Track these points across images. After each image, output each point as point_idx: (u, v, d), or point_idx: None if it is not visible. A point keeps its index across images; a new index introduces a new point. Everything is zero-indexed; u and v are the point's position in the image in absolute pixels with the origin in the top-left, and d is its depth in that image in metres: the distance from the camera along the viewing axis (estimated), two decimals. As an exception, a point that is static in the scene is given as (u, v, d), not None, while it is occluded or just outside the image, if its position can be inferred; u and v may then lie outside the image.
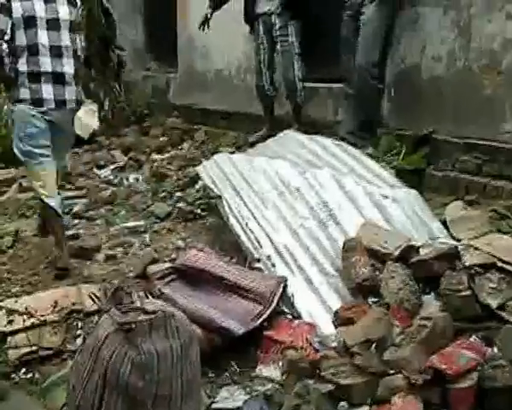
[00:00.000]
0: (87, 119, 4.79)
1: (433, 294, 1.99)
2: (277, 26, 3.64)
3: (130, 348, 1.46)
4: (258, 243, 2.47)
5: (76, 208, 3.75)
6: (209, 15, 3.87)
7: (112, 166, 4.39)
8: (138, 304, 1.59)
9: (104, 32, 3.42)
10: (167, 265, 2.53)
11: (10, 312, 2.38)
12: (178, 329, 1.50)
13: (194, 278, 2.12)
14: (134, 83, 5.12)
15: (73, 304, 2.48)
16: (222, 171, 3.06)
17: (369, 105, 3.32)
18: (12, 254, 3.21)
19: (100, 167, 4.43)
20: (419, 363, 1.60)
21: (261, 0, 3.66)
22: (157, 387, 1.47)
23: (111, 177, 4.28)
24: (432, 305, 1.90)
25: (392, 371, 1.62)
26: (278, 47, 3.66)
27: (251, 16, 3.75)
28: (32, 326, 2.33)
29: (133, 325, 1.44)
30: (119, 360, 1.47)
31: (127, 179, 4.18)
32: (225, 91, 4.24)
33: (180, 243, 3.14)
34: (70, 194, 4.08)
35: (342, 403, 1.65)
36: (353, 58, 3.31)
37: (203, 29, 3.91)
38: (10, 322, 2.28)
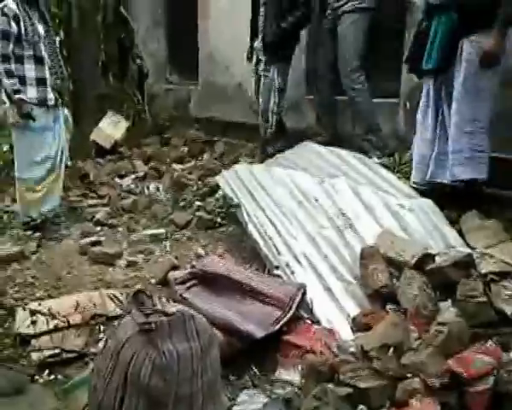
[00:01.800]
0: (109, 129, 4.94)
1: (449, 301, 2.02)
2: (262, 63, 3.88)
3: (150, 349, 1.52)
4: (277, 250, 2.54)
5: (98, 216, 3.87)
6: (250, 49, 4.06)
7: (133, 176, 4.52)
8: (159, 307, 1.66)
9: (122, 41, 3.53)
10: (186, 271, 2.62)
11: (34, 314, 2.47)
12: (198, 330, 1.57)
13: (214, 283, 2.19)
14: (156, 95, 5.27)
15: (95, 306, 2.56)
16: (241, 180, 3.15)
17: (364, 110, 3.51)
18: (35, 259, 3.33)
19: (121, 177, 4.57)
20: (436, 367, 1.64)
21: (257, 38, 3.91)
22: (177, 387, 1.52)
23: (132, 186, 4.40)
24: (448, 311, 1.94)
25: (409, 375, 1.66)
26: (261, 80, 3.91)
27: (251, 50, 4.03)
28: (56, 329, 2.40)
29: (153, 326, 1.50)
30: (140, 361, 1.53)
31: (148, 189, 4.29)
32: (245, 104, 4.35)
33: (200, 250, 3.22)
34: (92, 202, 4.24)
35: (361, 407, 1.69)
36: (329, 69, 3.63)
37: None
38: (34, 323, 2.35)
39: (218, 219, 3.56)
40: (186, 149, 4.80)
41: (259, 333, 1.94)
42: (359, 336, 1.92)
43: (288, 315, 2.03)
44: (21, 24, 3.13)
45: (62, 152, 3.50)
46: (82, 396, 1.89)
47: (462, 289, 1.95)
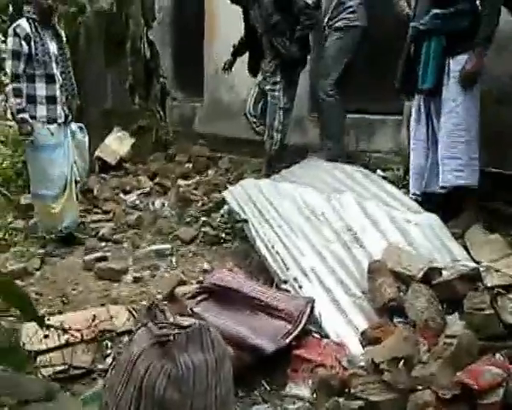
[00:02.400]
0: (115, 145, 5.01)
1: (456, 314, 2.07)
2: (270, 82, 3.99)
3: (166, 361, 1.55)
4: (285, 265, 2.59)
5: (102, 231, 3.92)
6: (229, 63, 4.26)
7: (138, 192, 4.57)
8: (172, 320, 1.70)
9: (148, 63, 3.67)
10: (195, 286, 2.66)
11: (47, 328, 2.50)
12: (213, 343, 1.60)
13: (223, 297, 2.23)
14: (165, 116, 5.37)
15: (102, 321, 2.59)
16: (248, 195, 3.21)
17: (332, 121, 3.77)
18: (39, 276, 3.36)
19: (126, 193, 4.62)
20: (446, 379, 1.67)
21: (263, 60, 4.04)
22: (192, 400, 1.55)
23: (137, 202, 4.45)
24: (456, 324, 1.98)
25: (420, 387, 1.70)
26: (268, 97, 4.02)
27: (253, 68, 4.15)
28: (66, 345, 2.43)
29: (170, 337, 1.54)
30: (156, 373, 1.56)
31: (153, 204, 4.34)
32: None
33: (206, 266, 3.26)
34: (96, 217, 4.29)
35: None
36: None
37: (227, 73, 4.28)
38: (46, 337, 2.37)
39: (224, 235, 3.61)
40: (191, 165, 4.86)
41: (270, 347, 1.98)
42: (369, 350, 1.96)
43: (298, 329, 2.07)
44: (32, 44, 3.25)
45: (72, 168, 3.57)
46: (93, 412, 1.92)
47: (469, 302, 1.99)
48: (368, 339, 2.06)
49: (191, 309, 2.21)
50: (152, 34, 5.09)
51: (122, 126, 5.24)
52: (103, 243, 3.79)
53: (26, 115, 3.28)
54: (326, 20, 3.82)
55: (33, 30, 3.26)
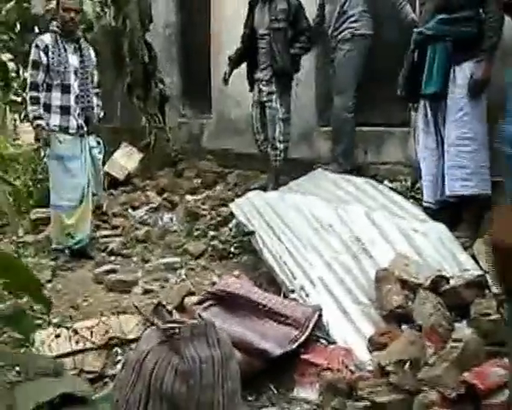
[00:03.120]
0: (123, 160, 5.16)
1: (464, 321, 2.13)
2: (264, 93, 4.14)
3: (173, 355, 1.64)
4: (293, 275, 2.67)
5: (112, 246, 4.03)
6: (228, 74, 4.40)
7: (146, 207, 4.69)
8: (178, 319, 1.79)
9: (146, 65, 3.85)
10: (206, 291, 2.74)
11: (58, 336, 2.60)
12: (219, 339, 1.69)
13: (231, 303, 2.31)
14: (170, 128, 5.53)
15: (112, 329, 2.69)
16: (255, 207, 3.31)
17: (346, 136, 3.85)
18: (51, 288, 3.47)
19: (135, 208, 4.74)
20: (452, 380, 1.73)
21: (258, 68, 4.20)
22: (200, 393, 1.63)
23: (145, 217, 4.56)
24: (463, 330, 2.04)
25: (426, 388, 1.75)
26: (266, 110, 4.17)
27: (250, 80, 4.31)
28: (77, 351, 2.53)
29: (176, 331, 1.63)
30: (163, 368, 1.65)
31: (161, 219, 4.45)
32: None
33: (215, 279, 3.34)
34: (106, 233, 4.41)
35: (378, 421, 1.78)
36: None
37: (225, 84, 4.43)
38: (57, 336, 2.47)
39: (232, 249, 3.70)
40: (199, 180, 4.98)
41: (277, 351, 2.05)
42: (376, 355, 2.02)
43: (305, 335, 2.14)
44: (50, 54, 3.49)
45: (89, 182, 3.70)
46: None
47: (476, 308, 2.06)
48: (375, 345, 2.13)
49: (199, 315, 2.28)
50: (158, 48, 5.28)
51: (130, 142, 5.41)
52: (113, 258, 3.91)
53: (42, 122, 3.51)
54: (330, 31, 3.94)
55: (54, 42, 3.52)
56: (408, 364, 1.85)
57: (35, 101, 3.49)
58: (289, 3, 3.95)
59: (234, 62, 4.35)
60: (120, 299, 3.24)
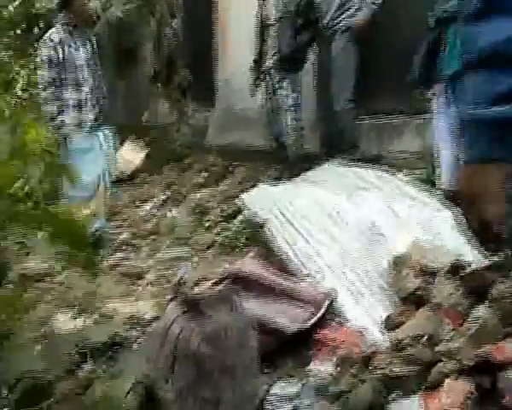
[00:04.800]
0: (129, 156, 5.31)
1: (483, 303, 2.23)
2: (275, 81, 4.31)
3: (200, 320, 1.78)
4: (307, 260, 2.78)
5: (122, 237, 4.19)
6: (255, 80, 4.54)
7: (154, 201, 4.83)
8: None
9: (171, 53, 4.03)
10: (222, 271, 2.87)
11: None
12: (241, 306, 1.82)
13: (248, 283, 2.42)
14: (172, 124, 5.68)
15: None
16: (267, 198, 3.43)
17: (349, 126, 4.04)
18: (63, 277, 3.60)
19: (143, 202, 4.89)
20: (469, 353, 1.85)
21: (266, 58, 4.38)
22: (223, 357, 1.76)
23: (154, 210, 4.71)
24: (482, 310, 2.14)
25: (443, 360, 1.87)
26: (277, 99, 4.33)
27: (260, 71, 4.46)
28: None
29: (204, 297, 1.76)
30: (189, 332, 1.78)
31: (170, 212, 4.59)
32: (264, 129, 4.70)
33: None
34: (115, 224, 4.54)
35: (395, 392, 1.89)
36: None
37: (252, 94, 4.58)
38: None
39: (242, 241, 3.83)
40: (206, 174, 5.12)
41: (292, 328, 2.18)
42: (393, 332, 2.14)
43: (319, 314, 2.27)
44: (65, 49, 3.57)
45: (104, 174, 3.80)
46: (128, 380, 2.11)
47: (496, 290, 2.15)
48: (391, 324, 2.24)
49: (208, 293, 2.41)
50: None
51: (135, 138, 5.56)
52: (124, 247, 4.06)
53: (61, 120, 3.58)
54: (327, 20, 4.15)
55: (66, 36, 3.60)
56: (425, 338, 1.97)
57: (51, 99, 3.56)
58: None
59: (256, 68, 4.48)
60: (132, 287, 3.39)
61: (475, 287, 2.31)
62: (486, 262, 2.40)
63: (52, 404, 1.16)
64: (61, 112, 3.62)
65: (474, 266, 2.42)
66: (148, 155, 5.42)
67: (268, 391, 2.00)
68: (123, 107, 6.06)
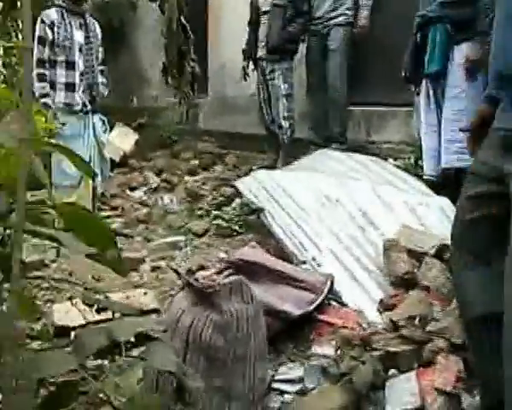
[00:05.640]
0: (118, 141, 5.37)
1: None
2: (267, 71, 4.48)
3: (211, 311, 1.92)
4: (303, 246, 2.96)
5: (114, 226, 4.27)
6: (246, 67, 4.74)
7: (145, 188, 4.94)
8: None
9: (181, 46, 4.17)
10: (215, 270, 3.03)
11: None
12: (252, 295, 1.98)
13: (249, 271, 2.57)
14: (163, 108, 5.77)
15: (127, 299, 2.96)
16: (262, 185, 3.59)
17: (343, 116, 4.31)
18: (56, 267, 3.71)
19: (133, 189, 4.99)
20: (458, 331, 2.06)
21: (259, 47, 4.55)
22: (236, 346, 1.92)
23: (145, 198, 4.82)
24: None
25: (435, 338, 2.08)
26: (270, 88, 4.49)
27: (253, 60, 4.68)
28: (103, 320, 2.79)
29: (217, 288, 1.91)
30: (201, 323, 1.92)
31: (161, 200, 4.71)
32: (256, 116, 4.84)
33: (222, 254, 3.63)
34: (105, 213, 4.64)
35: (392, 370, 2.10)
36: (321, 79, 4.35)
37: (245, 79, 4.75)
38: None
39: (236, 227, 3.99)
40: (197, 161, 5.25)
41: (296, 312, 2.35)
42: (387, 314, 2.34)
43: (321, 297, 2.44)
44: (55, 30, 3.66)
45: (91, 161, 3.90)
46: (137, 372, 2.26)
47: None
48: (385, 306, 2.44)
49: (219, 283, 2.57)
50: (152, 27, 5.49)
51: (123, 122, 5.61)
52: (116, 238, 4.15)
53: (48, 100, 3.68)
54: (321, 13, 4.33)
55: (60, 17, 3.68)
56: (417, 319, 2.17)
57: (42, 78, 3.67)
58: None
59: (248, 54, 4.67)
60: (129, 276, 3.50)
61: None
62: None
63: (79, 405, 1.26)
64: (50, 92, 3.71)
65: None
66: (137, 141, 5.50)
67: (274, 376, 2.17)
68: (111, 92, 6.11)
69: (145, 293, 2.95)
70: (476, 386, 1.88)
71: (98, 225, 1.42)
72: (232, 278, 2.62)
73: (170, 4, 4.27)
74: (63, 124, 3.70)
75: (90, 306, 1.58)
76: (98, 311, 2.76)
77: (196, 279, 2.07)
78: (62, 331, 2.77)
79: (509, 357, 1.42)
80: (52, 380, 1.48)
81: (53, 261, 3.85)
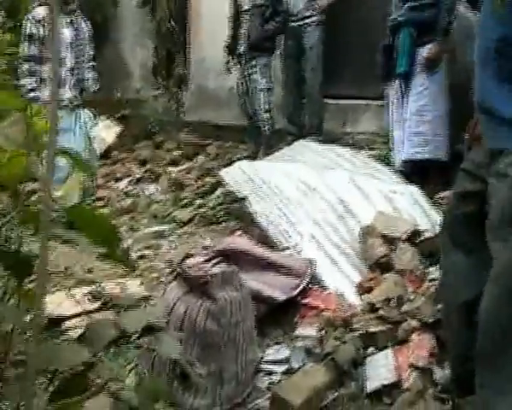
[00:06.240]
0: (103, 133, 5.34)
1: (436, 265, 2.57)
2: (247, 66, 4.57)
3: (205, 299, 2.00)
4: (286, 233, 3.04)
5: (100, 217, 4.28)
6: (227, 62, 4.78)
7: (129, 179, 4.94)
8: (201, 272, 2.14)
9: (170, 49, 4.21)
10: (202, 257, 3.09)
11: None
12: (242, 283, 2.06)
13: (237, 259, 2.64)
14: (143, 101, 5.74)
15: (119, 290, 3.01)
16: (245, 174, 3.64)
17: (320, 109, 4.46)
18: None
19: (117, 180, 4.98)
20: (429, 311, 2.18)
21: (240, 43, 4.63)
22: (228, 330, 2.00)
23: (129, 188, 4.82)
24: (436, 272, 2.48)
25: (408, 318, 2.19)
26: (250, 83, 4.58)
27: (233, 55, 4.73)
28: (95, 310, 2.84)
29: (209, 278, 1.99)
30: (195, 311, 2.00)
31: (146, 190, 4.72)
32: (236, 108, 4.87)
33: (207, 242, 3.69)
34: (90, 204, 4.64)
35: (371, 348, 2.21)
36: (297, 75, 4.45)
37: (229, 73, 4.79)
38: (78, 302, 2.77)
39: (220, 216, 4.04)
40: (179, 152, 5.26)
41: (282, 297, 2.44)
42: (365, 296, 2.45)
43: (304, 282, 2.54)
44: (44, 28, 3.67)
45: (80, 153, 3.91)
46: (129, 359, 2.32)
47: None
48: (363, 289, 2.55)
49: (207, 271, 2.64)
50: (132, 20, 5.46)
51: (108, 115, 5.58)
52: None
53: (37, 94, 3.69)
54: (297, 13, 4.42)
55: (48, 15, 3.63)
56: (393, 301, 2.28)
57: (29, 73, 3.67)
58: None
59: (230, 50, 4.69)
60: (116, 266, 3.53)
61: (429, 252, 2.67)
62: (436, 230, 2.73)
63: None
64: (38, 87, 3.70)
65: (426, 235, 2.77)
66: (120, 133, 5.47)
67: (262, 357, 2.26)
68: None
69: (142, 283, 3.00)
70: (446, 360, 2.01)
71: (105, 225, 1.45)
72: (221, 265, 2.71)
73: (160, 10, 4.33)
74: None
75: (97, 299, 1.62)
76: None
77: (188, 269, 2.13)
78: (54, 322, 2.81)
79: (484, 335, 1.54)
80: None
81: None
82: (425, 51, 3.39)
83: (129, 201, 4.57)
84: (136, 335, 1.53)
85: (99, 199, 4.70)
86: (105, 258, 1.59)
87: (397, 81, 3.55)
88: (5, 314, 1.20)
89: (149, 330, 1.48)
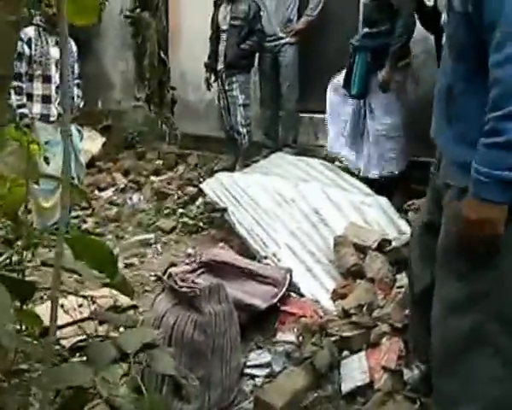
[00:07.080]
0: (87, 144, 5.32)
1: (403, 273, 2.68)
2: (226, 82, 4.63)
3: (192, 311, 2.05)
4: (264, 243, 3.11)
5: (86, 226, 4.28)
6: (208, 79, 4.80)
7: (113, 188, 4.93)
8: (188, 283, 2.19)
9: (161, 78, 4.26)
10: (186, 266, 3.13)
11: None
12: (227, 296, 2.12)
13: (220, 269, 2.70)
14: (124, 112, 5.73)
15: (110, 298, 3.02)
16: (224, 186, 3.70)
17: (296, 123, 4.58)
18: (31, 267, 3.68)
19: (101, 189, 4.96)
20: (398, 316, 2.27)
21: (219, 61, 4.68)
22: (214, 340, 2.06)
23: (114, 197, 4.81)
24: (403, 279, 2.59)
25: (379, 323, 2.29)
26: (228, 98, 4.65)
27: (214, 72, 4.77)
28: (81, 320, 2.84)
29: (197, 292, 2.04)
30: (183, 323, 2.04)
31: (130, 199, 4.73)
32: (216, 120, 4.93)
33: (190, 250, 3.73)
34: (76, 214, 4.61)
35: (345, 352, 2.29)
36: (273, 90, 4.58)
37: (208, 89, 4.82)
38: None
39: (202, 224, 4.09)
40: (161, 162, 5.28)
41: (263, 305, 2.50)
42: (339, 303, 2.53)
43: (283, 291, 2.60)
44: (33, 47, 3.68)
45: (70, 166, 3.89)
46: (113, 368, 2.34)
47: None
48: (337, 295, 2.64)
49: (192, 281, 2.68)
50: (113, 33, 5.45)
51: (90, 126, 5.56)
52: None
53: (25, 110, 3.69)
54: (272, 33, 4.51)
55: (37, 35, 3.71)
56: (365, 307, 2.37)
57: (19, 90, 3.65)
58: (249, 6, 4.40)
59: (210, 67, 4.72)
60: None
61: (396, 261, 2.77)
62: (403, 240, 2.84)
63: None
64: (27, 103, 3.71)
65: (394, 244, 2.87)
66: (104, 144, 5.46)
67: (245, 362, 2.32)
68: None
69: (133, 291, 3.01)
70: (413, 362, 2.10)
71: (104, 252, 1.47)
72: (205, 276, 2.77)
73: (151, 43, 4.42)
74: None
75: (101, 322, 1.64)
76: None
77: (175, 281, 2.17)
78: (46, 332, 2.80)
79: (434, 330, 1.61)
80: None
81: (28, 261, 3.82)
82: (379, 75, 3.52)
83: (114, 210, 4.57)
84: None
85: (84, 208, 4.68)
86: (105, 286, 1.62)
87: (354, 101, 3.69)
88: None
89: (145, 347, 1.52)
